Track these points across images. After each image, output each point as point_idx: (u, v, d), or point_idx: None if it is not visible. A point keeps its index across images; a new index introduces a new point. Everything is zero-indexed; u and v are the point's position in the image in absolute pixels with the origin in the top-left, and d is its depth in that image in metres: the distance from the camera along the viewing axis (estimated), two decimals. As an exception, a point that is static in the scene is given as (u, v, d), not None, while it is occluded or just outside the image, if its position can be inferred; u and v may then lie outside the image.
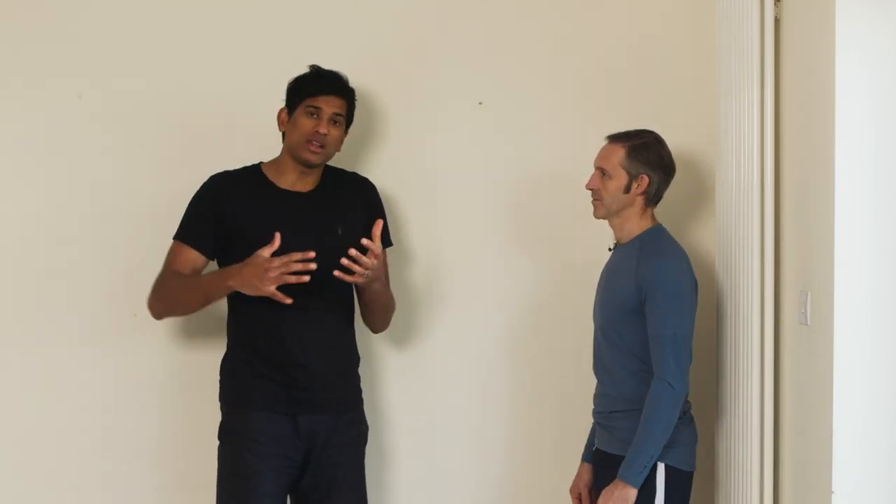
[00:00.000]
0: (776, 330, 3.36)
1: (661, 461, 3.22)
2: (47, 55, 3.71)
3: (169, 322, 3.70)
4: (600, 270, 3.47)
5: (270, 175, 3.44)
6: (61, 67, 3.72)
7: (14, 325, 3.71)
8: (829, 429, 2.95)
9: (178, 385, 3.74)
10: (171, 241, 3.43)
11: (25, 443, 3.71)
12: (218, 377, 3.46)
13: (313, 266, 3.16)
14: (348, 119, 3.46)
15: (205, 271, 3.42)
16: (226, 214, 3.37)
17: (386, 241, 3.51)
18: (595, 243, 3.66)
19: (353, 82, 3.46)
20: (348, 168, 3.61)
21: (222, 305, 3.52)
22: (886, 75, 2.94)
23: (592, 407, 3.45)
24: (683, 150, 3.63)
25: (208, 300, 3.36)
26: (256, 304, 3.33)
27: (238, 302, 3.41)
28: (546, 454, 3.79)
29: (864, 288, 2.95)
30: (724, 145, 3.52)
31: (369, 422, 3.54)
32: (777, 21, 3.36)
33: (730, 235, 3.47)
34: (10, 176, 3.72)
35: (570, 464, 3.55)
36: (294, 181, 3.43)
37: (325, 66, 3.44)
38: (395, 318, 3.65)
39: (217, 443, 3.41)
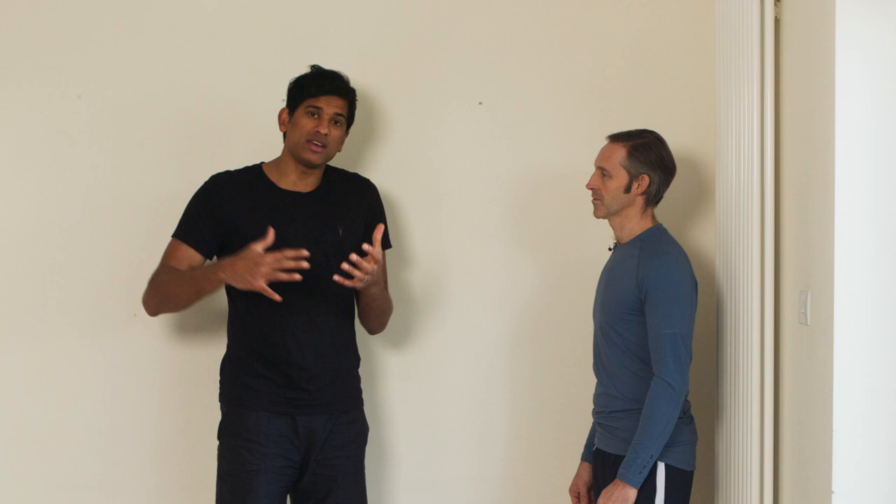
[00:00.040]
0: (776, 330, 3.36)
1: (662, 461, 3.22)
2: (47, 55, 3.71)
3: (169, 322, 3.70)
4: (600, 270, 3.47)
5: (271, 175, 3.44)
6: (61, 67, 3.72)
7: (13, 324, 3.71)
8: (829, 429, 2.95)
9: (177, 385, 3.74)
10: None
11: (24, 442, 3.70)
12: (218, 377, 3.46)
13: (306, 265, 3.16)
14: (349, 119, 3.46)
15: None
16: (225, 214, 3.37)
17: (385, 243, 3.52)
18: (595, 243, 3.67)
19: (354, 82, 3.46)
20: (348, 168, 3.61)
21: (223, 305, 3.53)
22: (886, 75, 2.94)
23: (592, 407, 3.45)
24: (683, 150, 3.63)
25: (200, 293, 3.33)
26: (256, 304, 3.33)
27: (238, 302, 3.41)
28: (546, 454, 3.79)
29: (864, 288, 2.95)
30: (724, 145, 3.52)
31: (369, 422, 3.55)
32: (777, 21, 3.36)
33: (730, 235, 3.47)
34: (9, 175, 3.71)
35: (570, 464, 3.55)
36: (295, 181, 3.43)
37: (326, 66, 3.45)
38: (396, 318, 3.65)
39: (216, 442, 3.41)
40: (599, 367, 3.40)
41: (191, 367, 3.72)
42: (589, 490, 3.48)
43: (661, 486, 3.22)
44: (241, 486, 3.32)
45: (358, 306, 3.50)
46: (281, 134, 3.47)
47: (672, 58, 3.80)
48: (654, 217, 3.38)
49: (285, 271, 3.16)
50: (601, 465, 3.37)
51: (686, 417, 3.30)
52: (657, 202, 3.38)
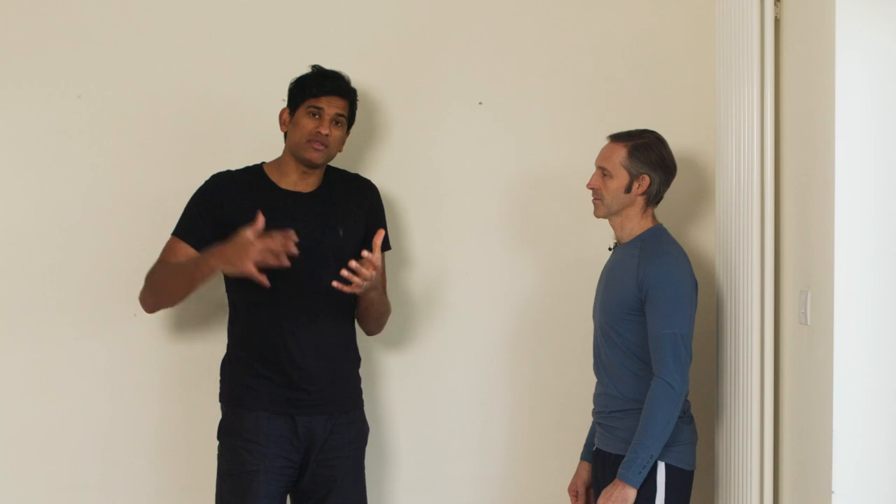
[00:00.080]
0: (776, 330, 3.36)
1: (662, 460, 3.22)
2: (47, 55, 3.71)
3: (169, 322, 3.70)
4: (600, 270, 3.47)
5: (272, 175, 3.44)
6: (61, 67, 3.72)
7: (14, 324, 3.70)
8: (829, 429, 2.95)
9: (177, 385, 3.73)
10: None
11: (24, 442, 3.70)
12: (218, 377, 3.46)
13: (294, 250, 3.16)
14: (350, 119, 3.46)
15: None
16: (226, 213, 3.37)
17: (384, 245, 3.51)
18: (595, 243, 3.67)
19: (354, 82, 3.46)
20: (348, 168, 3.61)
21: (223, 305, 3.53)
22: (886, 75, 2.94)
23: (592, 407, 3.45)
24: (683, 150, 3.63)
25: (192, 282, 3.30)
26: (257, 304, 3.34)
27: (238, 302, 3.41)
28: (546, 454, 3.79)
29: (864, 288, 2.95)
30: (724, 145, 3.52)
31: (369, 422, 3.54)
32: (777, 21, 3.36)
33: (730, 235, 3.47)
34: (9, 176, 3.71)
35: (569, 464, 3.55)
36: (296, 181, 3.43)
37: (326, 66, 3.45)
38: (396, 318, 3.65)
39: (216, 442, 3.41)
40: (599, 367, 3.40)
41: (191, 367, 3.72)
42: (587, 489, 3.48)
43: (661, 486, 3.22)
44: (240, 487, 3.32)
45: (356, 308, 3.50)
46: (281, 134, 3.47)
47: (672, 58, 3.80)
48: (654, 217, 3.38)
49: (285, 271, 3.16)
50: (601, 465, 3.37)
51: (686, 417, 3.30)
52: (658, 202, 3.38)
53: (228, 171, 3.47)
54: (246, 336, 3.40)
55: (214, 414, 3.44)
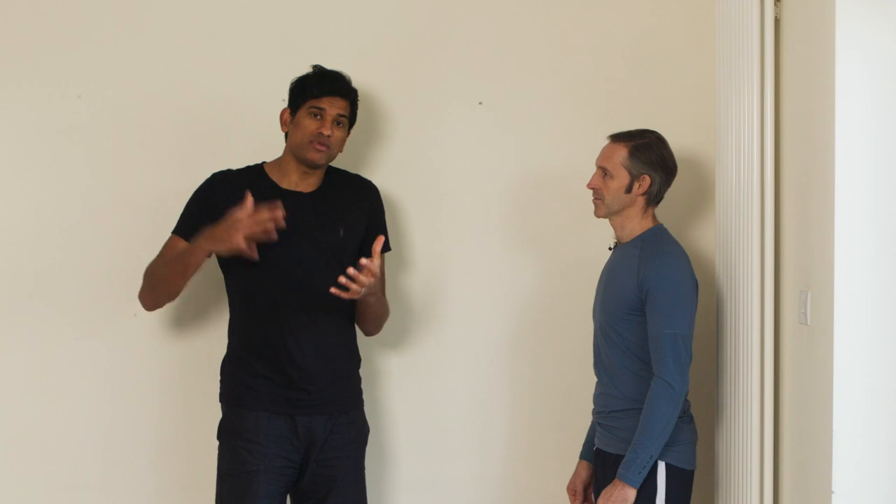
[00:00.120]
0: (776, 330, 3.36)
1: (662, 460, 3.22)
2: (47, 55, 3.71)
3: (169, 321, 3.70)
4: (600, 270, 3.47)
5: (273, 175, 3.44)
6: (61, 67, 3.72)
7: (14, 324, 3.70)
8: (829, 429, 2.95)
9: (178, 385, 3.73)
10: (171, 240, 3.44)
11: (24, 442, 3.70)
12: (218, 377, 3.46)
13: (283, 223, 3.18)
14: (351, 120, 3.46)
15: (202, 269, 3.42)
16: (225, 212, 3.36)
17: (384, 246, 3.51)
18: (595, 243, 3.66)
19: (353, 82, 3.46)
20: (348, 169, 3.61)
21: (223, 305, 3.53)
22: (886, 75, 2.94)
23: (592, 407, 3.45)
24: (683, 150, 3.63)
25: (186, 269, 3.30)
26: (257, 304, 3.34)
27: (238, 302, 3.41)
28: (546, 454, 3.78)
29: (864, 288, 2.95)
30: (724, 145, 3.52)
31: (369, 422, 3.54)
32: (777, 21, 3.36)
33: (730, 235, 3.47)
34: (9, 175, 3.71)
35: (569, 464, 3.55)
36: (297, 181, 3.43)
37: (326, 66, 3.44)
38: (396, 318, 3.65)
39: (216, 442, 3.41)
40: (599, 366, 3.40)
41: (191, 367, 3.72)
42: (585, 488, 3.48)
43: (661, 486, 3.22)
44: (240, 487, 3.32)
45: (355, 309, 3.50)
46: (281, 134, 3.47)
47: (672, 58, 3.80)
48: (654, 217, 3.38)
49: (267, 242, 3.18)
50: (601, 465, 3.37)
51: (686, 417, 3.30)
52: (658, 202, 3.38)
53: (229, 170, 3.47)
54: (246, 336, 3.40)
55: (214, 414, 3.44)
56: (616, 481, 3.20)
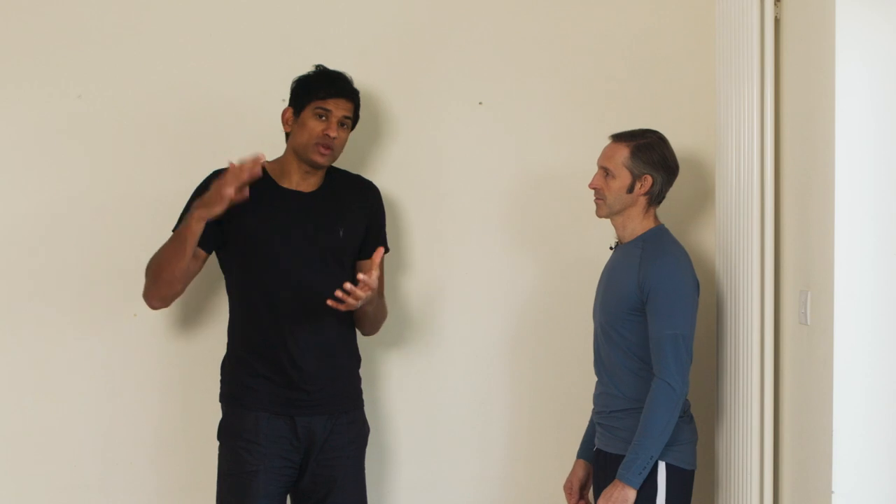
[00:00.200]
0: (776, 330, 3.36)
1: (663, 460, 3.22)
2: (47, 55, 3.71)
3: (170, 322, 3.70)
4: (600, 270, 3.47)
5: (274, 174, 3.43)
6: (61, 67, 3.72)
7: (13, 324, 3.70)
8: (829, 429, 2.95)
9: (178, 385, 3.73)
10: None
11: (24, 442, 3.70)
12: (218, 377, 3.46)
13: (259, 172, 3.19)
14: (354, 121, 3.46)
15: (202, 267, 3.41)
16: (226, 210, 3.36)
17: (384, 247, 3.51)
18: (596, 243, 3.66)
19: (354, 82, 3.46)
20: (348, 169, 3.61)
21: (223, 305, 3.53)
22: (886, 75, 2.94)
23: (592, 407, 3.45)
24: (683, 150, 3.63)
25: (183, 244, 3.27)
26: (257, 304, 3.34)
27: (238, 302, 3.41)
28: (546, 454, 3.78)
29: (864, 288, 2.95)
30: (724, 145, 3.52)
31: (369, 422, 3.54)
32: (777, 21, 3.36)
33: (730, 235, 3.47)
34: (9, 175, 3.71)
35: (569, 464, 3.55)
36: (298, 181, 3.43)
37: (326, 66, 3.44)
38: (396, 318, 3.66)
39: (216, 442, 3.41)
40: (600, 366, 3.40)
41: (191, 367, 3.72)
42: (582, 487, 3.48)
43: (662, 486, 3.22)
44: (240, 487, 3.32)
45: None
46: (281, 134, 3.46)
47: (672, 58, 3.80)
48: (656, 217, 3.38)
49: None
50: (601, 465, 3.36)
51: (686, 416, 3.30)
52: (659, 202, 3.38)
53: (229, 170, 3.47)
54: (246, 336, 3.40)
55: (214, 414, 3.44)
56: (616, 482, 3.20)
